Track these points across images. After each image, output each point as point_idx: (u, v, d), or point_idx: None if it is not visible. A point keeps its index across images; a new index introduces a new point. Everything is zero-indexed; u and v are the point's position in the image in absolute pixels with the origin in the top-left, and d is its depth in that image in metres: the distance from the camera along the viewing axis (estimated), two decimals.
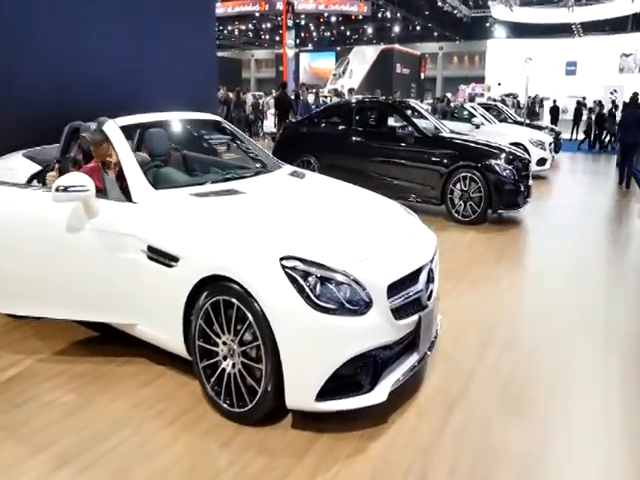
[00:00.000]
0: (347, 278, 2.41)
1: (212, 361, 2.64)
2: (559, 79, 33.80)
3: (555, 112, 21.24)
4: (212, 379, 2.65)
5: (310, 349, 2.34)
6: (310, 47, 48.94)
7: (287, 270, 2.36)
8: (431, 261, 2.86)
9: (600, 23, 29.93)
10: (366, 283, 2.43)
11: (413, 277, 2.66)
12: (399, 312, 2.56)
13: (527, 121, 14.67)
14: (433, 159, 6.86)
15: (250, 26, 44.91)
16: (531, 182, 7.10)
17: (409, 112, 7.76)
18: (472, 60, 46.29)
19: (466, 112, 11.36)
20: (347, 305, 2.38)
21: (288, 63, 29.50)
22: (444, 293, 4.37)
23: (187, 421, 2.68)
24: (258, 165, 3.96)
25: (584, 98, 20.25)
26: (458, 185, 6.70)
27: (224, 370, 2.59)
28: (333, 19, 41.23)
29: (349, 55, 41.76)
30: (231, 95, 15.70)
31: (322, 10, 36.72)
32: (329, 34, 46.94)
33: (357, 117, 7.65)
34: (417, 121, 7.64)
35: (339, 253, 2.50)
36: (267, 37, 48.20)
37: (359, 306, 2.40)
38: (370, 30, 44.22)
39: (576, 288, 4.62)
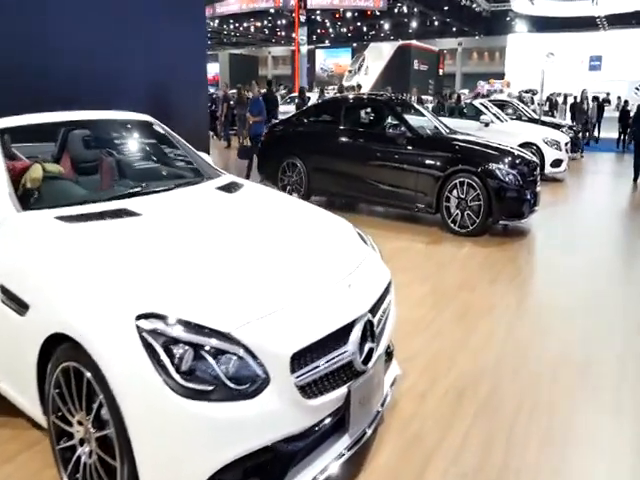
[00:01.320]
0: (232, 344, 1.70)
1: (69, 444, 1.97)
2: (582, 75, 32.54)
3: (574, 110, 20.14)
4: (69, 466, 1.98)
5: (173, 447, 1.64)
6: (327, 43, 48.29)
7: (144, 334, 1.67)
8: (372, 310, 2.13)
9: (627, 16, 28.53)
10: (260, 351, 1.72)
11: (339, 336, 1.94)
12: (314, 387, 1.84)
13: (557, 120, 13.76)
14: (427, 162, 6.10)
15: (266, 22, 44.31)
16: (539, 188, 6.29)
17: (403, 110, 7.01)
18: (492, 56, 45.13)
19: (475, 110, 10.50)
20: (230, 384, 1.67)
21: (301, 60, 28.88)
22: (423, 325, 3.65)
23: None
24: (191, 174, 3.28)
25: (608, 94, 19.13)
26: (455, 192, 5.92)
27: (80, 458, 1.92)
28: (349, 15, 40.36)
29: (365, 51, 41.01)
30: (230, 92, 15.03)
31: (337, 5, 35.96)
32: (345, 30, 46.04)
33: (345, 115, 6.92)
34: (413, 119, 6.90)
35: (226, 308, 1.79)
36: (283, 34, 47.62)
37: (249, 385, 1.70)
38: (387, 26, 43.24)
39: (584, 328, 3.82)
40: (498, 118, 10.27)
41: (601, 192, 9.84)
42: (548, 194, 8.87)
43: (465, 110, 11.07)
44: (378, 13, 38.55)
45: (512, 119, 11.89)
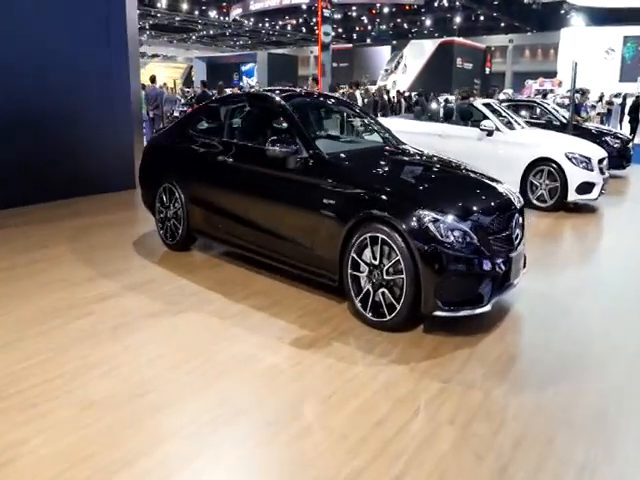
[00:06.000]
0: None
1: None
2: None
3: (636, 112, 16.85)
4: None
5: None
6: (368, 42, 46.09)
7: None
8: None
9: None
10: None
11: None
12: None
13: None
14: (325, 202, 3.65)
15: (301, 20, 42.31)
16: (522, 247, 3.70)
17: (323, 113, 4.61)
18: (546, 53, 41.46)
19: (482, 114, 7.82)
20: None
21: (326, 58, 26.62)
22: None
23: None
24: None
25: None
26: (366, 253, 3.46)
27: None
28: (386, 10, 37.65)
29: (404, 49, 38.57)
30: (210, 92, 12.95)
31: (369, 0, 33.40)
32: (386, 28, 43.36)
33: (232, 123, 4.58)
34: (356, 125, 4.54)
35: None
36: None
37: None
38: (429, 22, 40.31)
39: None
40: (508, 125, 7.60)
41: None
42: (566, 237, 6.18)
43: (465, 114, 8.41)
44: (417, 7, 35.64)
45: (539, 125, 9.20)
